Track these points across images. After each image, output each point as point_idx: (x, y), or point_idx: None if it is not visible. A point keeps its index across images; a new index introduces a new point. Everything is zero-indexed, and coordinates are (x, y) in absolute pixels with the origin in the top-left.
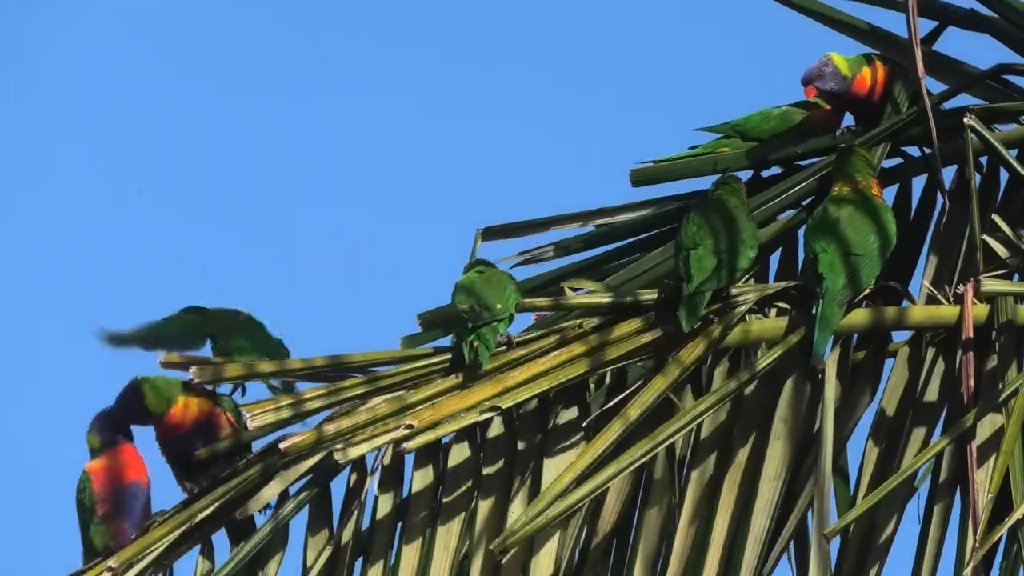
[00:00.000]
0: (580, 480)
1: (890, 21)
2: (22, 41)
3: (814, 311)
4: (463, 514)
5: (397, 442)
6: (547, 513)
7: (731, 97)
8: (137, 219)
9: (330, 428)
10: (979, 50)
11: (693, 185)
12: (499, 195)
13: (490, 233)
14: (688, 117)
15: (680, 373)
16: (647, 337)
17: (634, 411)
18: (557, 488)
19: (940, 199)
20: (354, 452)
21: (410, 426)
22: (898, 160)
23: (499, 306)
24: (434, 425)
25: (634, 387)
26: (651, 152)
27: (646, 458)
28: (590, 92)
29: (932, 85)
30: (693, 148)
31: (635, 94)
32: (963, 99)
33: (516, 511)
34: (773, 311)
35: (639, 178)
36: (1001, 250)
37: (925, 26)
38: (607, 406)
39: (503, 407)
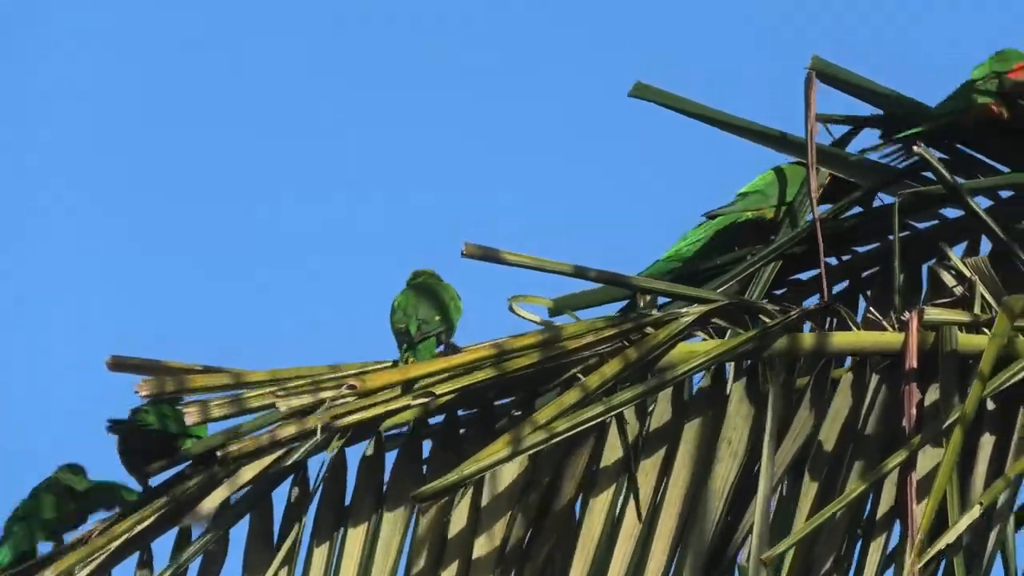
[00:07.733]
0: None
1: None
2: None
3: None
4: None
5: (333, 399)
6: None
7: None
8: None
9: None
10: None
11: None
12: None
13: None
14: None
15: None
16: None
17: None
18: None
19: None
20: (296, 402)
21: (352, 386)
22: None
23: (437, 318)
24: (371, 395)
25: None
26: None
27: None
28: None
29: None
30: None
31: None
32: None
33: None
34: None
35: None
36: (948, 279)
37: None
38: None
39: (437, 393)
